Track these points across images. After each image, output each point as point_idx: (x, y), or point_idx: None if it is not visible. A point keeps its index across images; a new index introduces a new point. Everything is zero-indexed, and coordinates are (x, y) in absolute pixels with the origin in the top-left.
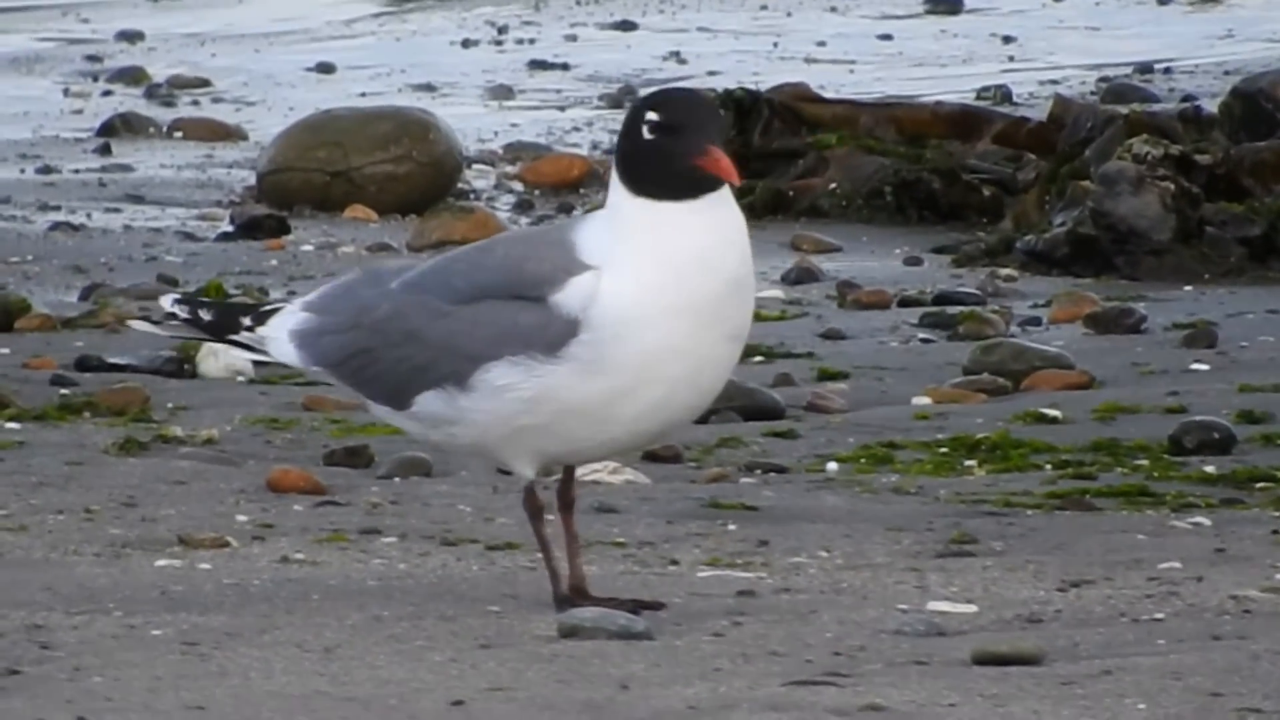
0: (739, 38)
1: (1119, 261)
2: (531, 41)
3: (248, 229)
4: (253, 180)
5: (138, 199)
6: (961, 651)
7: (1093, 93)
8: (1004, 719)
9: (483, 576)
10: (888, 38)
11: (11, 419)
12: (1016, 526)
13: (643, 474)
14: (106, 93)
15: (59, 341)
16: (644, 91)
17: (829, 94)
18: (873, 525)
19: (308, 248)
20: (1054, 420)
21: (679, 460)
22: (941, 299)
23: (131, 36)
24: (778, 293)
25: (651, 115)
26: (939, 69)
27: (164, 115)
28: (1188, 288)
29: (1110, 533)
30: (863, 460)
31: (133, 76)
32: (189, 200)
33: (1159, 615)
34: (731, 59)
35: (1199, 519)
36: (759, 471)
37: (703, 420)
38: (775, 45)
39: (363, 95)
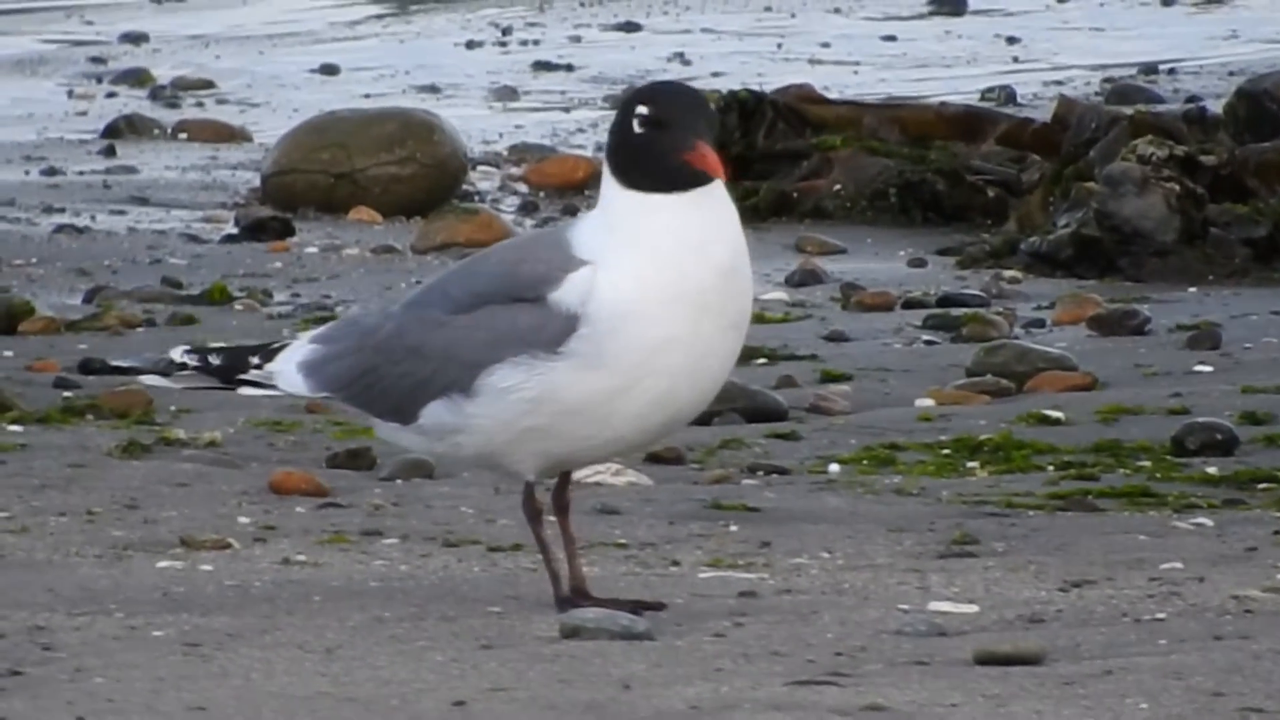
0: (743, 39)
1: (1123, 263)
2: (536, 43)
3: (252, 231)
4: (257, 182)
5: (142, 201)
6: (963, 651)
7: (1097, 93)
8: (1005, 719)
9: (484, 577)
10: (892, 39)
11: (14, 421)
12: (1018, 527)
13: (645, 475)
14: (111, 94)
15: (62, 344)
16: None
17: (833, 95)
18: (874, 526)
19: (312, 250)
20: (1057, 422)
21: (681, 462)
22: (945, 301)
23: (136, 38)
24: (781, 295)
25: (641, 109)
26: (943, 70)
27: (168, 117)
28: (1192, 289)
29: (1112, 533)
30: (865, 462)
31: (137, 78)
32: (193, 202)
33: (1161, 615)
34: (735, 60)
35: (1201, 520)
36: (761, 473)
37: (705, 422)
38: (779, 46)
39: (367, 97)
